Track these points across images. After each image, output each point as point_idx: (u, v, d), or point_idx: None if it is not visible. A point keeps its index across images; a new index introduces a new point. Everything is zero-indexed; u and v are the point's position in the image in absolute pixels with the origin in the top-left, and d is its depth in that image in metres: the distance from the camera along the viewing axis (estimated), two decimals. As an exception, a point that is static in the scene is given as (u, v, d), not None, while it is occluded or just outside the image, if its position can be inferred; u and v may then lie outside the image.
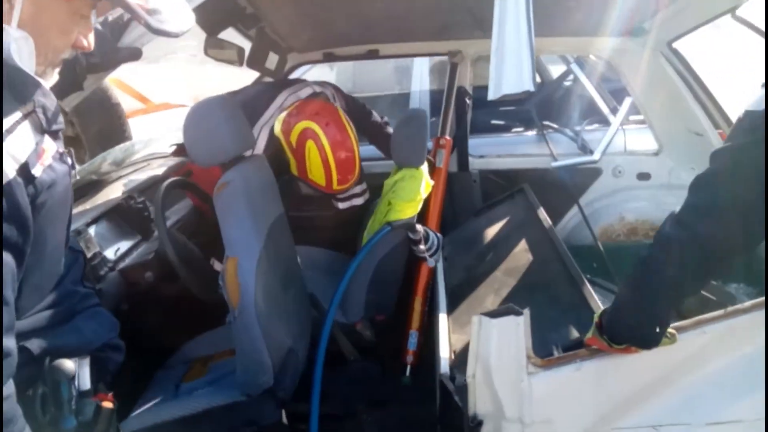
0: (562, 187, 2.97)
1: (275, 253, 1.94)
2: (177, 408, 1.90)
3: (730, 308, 1.47)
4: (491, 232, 2.72)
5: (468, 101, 2.91)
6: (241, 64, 2.39)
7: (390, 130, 2.73)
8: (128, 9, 1.01)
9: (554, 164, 2.89)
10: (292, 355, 1.92)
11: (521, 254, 2.38)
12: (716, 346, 1.48)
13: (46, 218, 1.00)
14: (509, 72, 1.51)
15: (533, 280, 2.18)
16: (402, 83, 4.40)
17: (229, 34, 2.31)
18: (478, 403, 1.51)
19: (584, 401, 1.48)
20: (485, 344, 1.40)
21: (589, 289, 1.91)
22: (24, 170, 0.94)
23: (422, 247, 2.42)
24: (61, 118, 1.04)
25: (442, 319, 2.17)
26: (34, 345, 1.02)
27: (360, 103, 2.79)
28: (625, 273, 2.70)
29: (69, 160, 1.06)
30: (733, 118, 2.63)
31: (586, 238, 2.89)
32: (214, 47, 2.22)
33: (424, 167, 2.49)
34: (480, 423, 1.52)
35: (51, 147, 1.02)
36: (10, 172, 0.92)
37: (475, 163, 3.05)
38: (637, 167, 2.99)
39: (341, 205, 2.70)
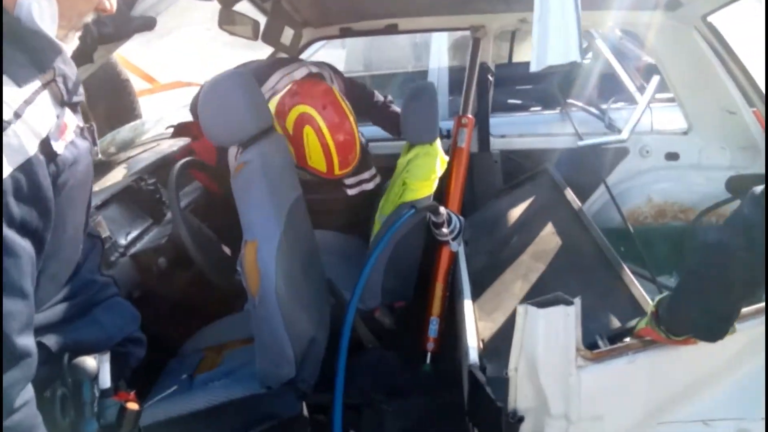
0: (588, 168, 2.85)
1: (295, 237, 1.84)
2: (192, 401, 1.81)
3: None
4: (514, 214, 2.61)
5: (490, 78, 2.78)
6: (255, 38, 2.27)
7: (396, 108, 2.61)
8: None
9: (581, 143, 2.77)
10: (314, 345, 1.82)
11: (549, 237, 2.27)
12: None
13: (66, 200, 0.89)
14: (554, 42, 1.40)
15: (565, 265, 2.07)
16: (419, 60, 4.26)
17: (245, 7, 2.18)
18: (519, 397, 1.42)
19: (635, 396, 1.38)
20: (531, 335, 1.30)
21: (629, 275, 1.81)
22: (45, 146, 0.83)
23: (445, 230, 2.32)
24: (81, 90, 0.93)
25: (467, 305, 2.07)
26: (51, 341, 0.92)
27: (360, 84, 2.67)
28: (672, 259, 2.60)
29: (90, 136, 0.95)
30: (769, 96, 2.54)
31: (612, 220, 2.79)
32: (229, 20, 2.10)
33: (438, 143, 2.38)
34: (521, 419, 1.43)
35: (72, 121, 0.91)
36: (31, 148, 0.81)
37: (495, 143, 2.93)
38: (665, 147, 2.87)
39: (350, 192, 2.59)
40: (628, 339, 1.55)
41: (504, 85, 3.66)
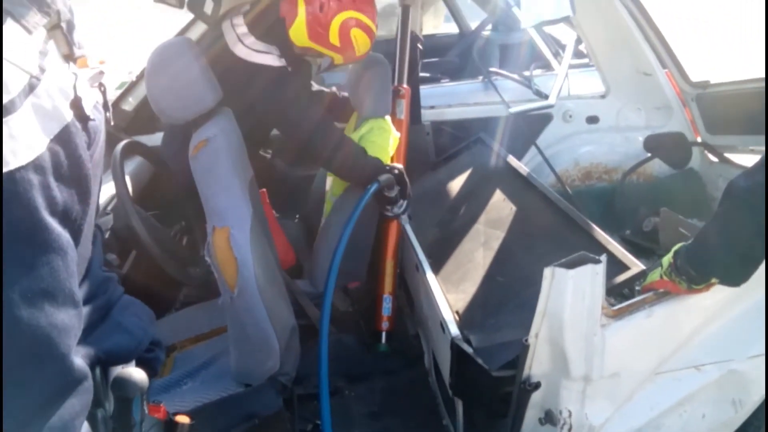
0: (513, 135, 2.88)
1: (259, 219, 1.69)
2: (158, 410, 1.61)
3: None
4: (456, 185, 2.58)
5: (420, 47, 2.72)
6: (181, 6, 2.04)
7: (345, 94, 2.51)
8: None
9: (511, 110, 2.79)
10: (295, 335, 1.68)
11: (501, 204, 2.26)
12: (761, 278, 1.42)
13: (93, 178, 0.71)
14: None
15: (527, 230, 2.07)
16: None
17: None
18: (535, 364, 1.38)
19: (648, 349, 1.39)
20: (557, 299, 1.26)
21: (601, 233, 1.82)
22: (78, 109, 0.65)
23: (400, 204, 2.24)
24: (80, 41, 0.74)
25: (432, 279, 2.01)
26: (81, 354, 0.73)
27: None
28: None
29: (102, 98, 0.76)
30: (681, 57, 2.69)
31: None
32: (158, -14, 1.87)
33: (388, 117, 2.30)
34: (537, 385, 1.39)
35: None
36: (67, 111, 0.63)
37: (425, 115, 2.88)
38: (586, 111, 2.97)
39: None
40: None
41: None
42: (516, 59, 3.38)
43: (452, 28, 4.49)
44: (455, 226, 2.32)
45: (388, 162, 2.22)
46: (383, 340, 2.39)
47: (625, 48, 2.72)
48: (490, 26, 4.21)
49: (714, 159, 2.72)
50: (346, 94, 2.47)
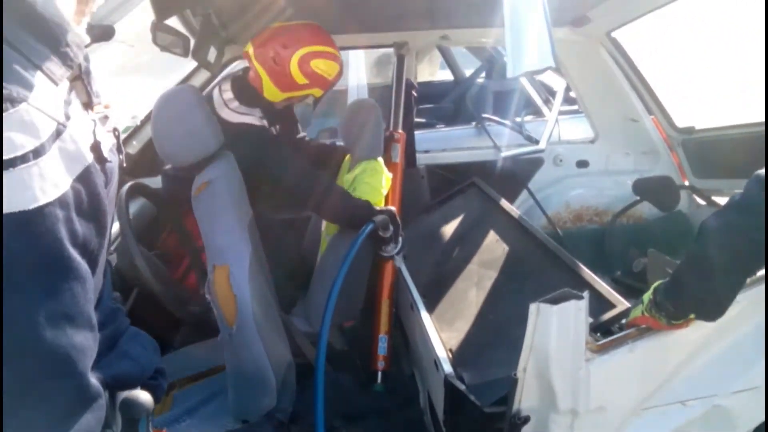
0: (506, 179, 2.97)
1: (258, 257, 1.75)
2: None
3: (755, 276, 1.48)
4: (450, 227, 2.65)
5: (414, 94, 2.82)
6: (186, 55, 2.15)
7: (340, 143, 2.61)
8: None
9: (503, 155, 2.89)
10: (291, 371, 1.72)
11: (494, 245, 2.32)
12: (743, 314, 1.48)
13: (108, 215, 0.78)
14: (528, 49, 1.45)
15: (518, 270, 2.13)
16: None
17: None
18: (524, 398, 1.42)
19: (632, 383, 1.44)
20: (543, 333, 1.31)
21: (589, 273, 1.88)
22: (98, 151, 0.72)
23: (393, 245, 2.30)
24: (99, 91, 0.82)
25: (426, 318, 2.06)
26: (93, 378, 0.78)
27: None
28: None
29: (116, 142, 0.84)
30: (665, 103, 2.79)
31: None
32: (165, 32, 1.96)
33: (381, 159, 2.38)
34: (526, 420, 1.43)
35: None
36: (88, 154, 0.70)
37: (420, 158, 2.97)
38: (576, 155, 3.06)
39: None
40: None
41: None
42: (509, 106, 3.49)
43: (447, 76, 4.64)
44: (449, 266, 2.38)
45: (382, 201, 2.30)
46: (379, 379, 2.42)
47: (613, 96, 2.83)
48: (483, 74, 4.35)
49: (702, 202, 2.79)
50: (338, 141, 2.57)
